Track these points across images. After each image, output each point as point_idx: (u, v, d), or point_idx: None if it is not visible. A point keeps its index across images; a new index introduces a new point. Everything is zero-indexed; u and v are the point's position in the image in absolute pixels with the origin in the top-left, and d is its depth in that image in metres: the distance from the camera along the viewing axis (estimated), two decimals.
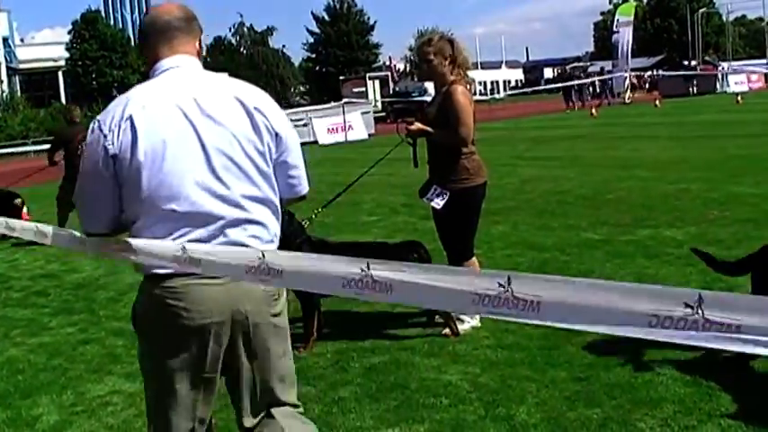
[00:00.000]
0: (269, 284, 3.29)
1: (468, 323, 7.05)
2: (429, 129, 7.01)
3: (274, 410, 3.76)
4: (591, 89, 69.92)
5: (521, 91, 59.00)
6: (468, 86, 7.19)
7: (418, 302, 3.08)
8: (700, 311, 2.34)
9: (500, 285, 2.75)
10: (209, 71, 3.68)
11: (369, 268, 3.06)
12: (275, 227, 3.72)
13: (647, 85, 62.51)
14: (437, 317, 7.17)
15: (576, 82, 53.60)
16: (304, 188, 3.89)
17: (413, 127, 7.06)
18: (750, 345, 2.29)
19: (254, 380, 3.69)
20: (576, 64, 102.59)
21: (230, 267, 3.40)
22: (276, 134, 3.63)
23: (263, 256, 3.27)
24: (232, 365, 3.65)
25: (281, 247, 7.08)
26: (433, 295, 2.98)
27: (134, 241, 3.65)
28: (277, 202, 3.72)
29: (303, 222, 7.36)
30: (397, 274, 3.02)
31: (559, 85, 55.75)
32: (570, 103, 51.30)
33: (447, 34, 7.49)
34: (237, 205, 3.50)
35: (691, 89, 57.31)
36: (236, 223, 3.52)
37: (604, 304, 2.55)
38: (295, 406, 3.87)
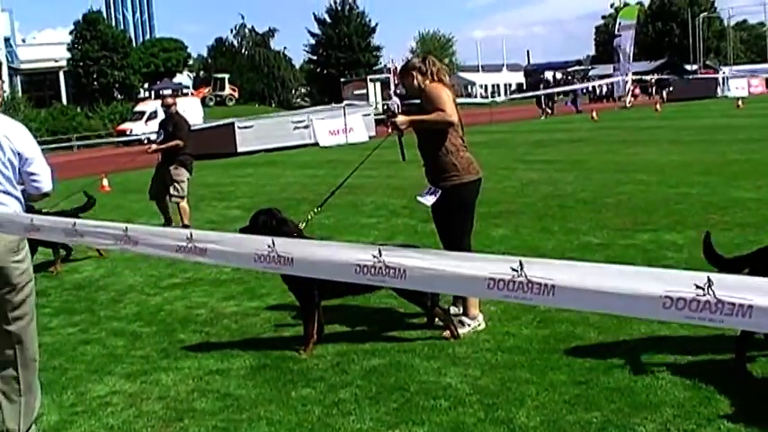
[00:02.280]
0: (280, 272, 3.53)
1: (470, 326, 7.07)
2: (413, 117, 7.21)
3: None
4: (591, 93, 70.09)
5: (522, 95, 58.88)
6: (450, 88, 7.39)
7: (432, 288, 3.13)
8: (711, 292, 2.37)
9: (512, 270, 2.77)
10: None
11: (381, 254, 3.08)
12: (16, 207, 5.36)
13: (653, 89, 62.11)
14: (437, 319, 7.18)
15: (544, 92, 52.90)
16: (45, 187, 5.56)
17: (397, 119, 7.23)
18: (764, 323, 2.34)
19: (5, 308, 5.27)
20: (576, 68, 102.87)
21: (237, 256, 3.49)
22: (18, 153, 5.26)
23: (273, 244, 3.32)
24: None
25: None
26: (447, 281, 2.99)
27: (135, 230, 3.71)
28: (18, 194, 5.38)
29: (300, 224, 7.40)
30: (411, 260, 3.03)
31: (536, 93, 54.79)
32: (543, 110, 50.50)
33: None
34: None
35: (663, 93, 57.60)
36: None
37: (617, 287, 2.58)
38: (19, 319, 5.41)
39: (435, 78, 7.26)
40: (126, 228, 3.82)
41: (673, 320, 2.44)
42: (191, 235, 3.58)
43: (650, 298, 2.51)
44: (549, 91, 54.01)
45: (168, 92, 17.44)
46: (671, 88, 60.63)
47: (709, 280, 2.39)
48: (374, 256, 3.12)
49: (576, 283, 2.68)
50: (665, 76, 64.20)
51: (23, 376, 5.43)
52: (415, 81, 7.28)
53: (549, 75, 59.80)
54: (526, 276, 2.77)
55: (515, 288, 2.79)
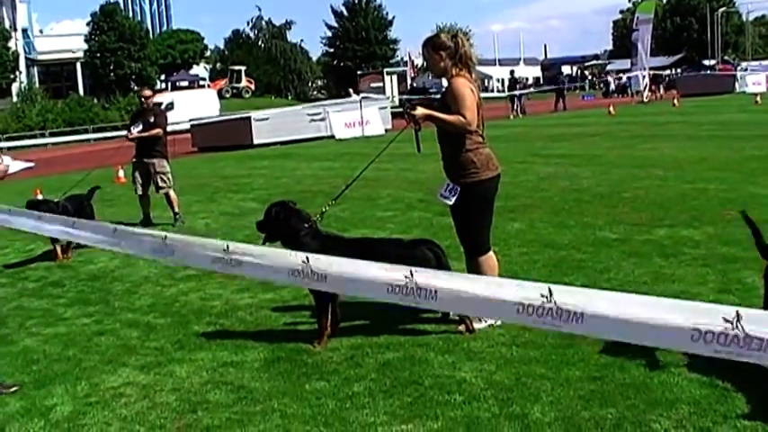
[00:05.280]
0: (313, 287, 3.61)
1: (486, 321, 7.02)
2: (432, 112, 7.02)
3: None
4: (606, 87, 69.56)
5: (540, 89, 58.32)
6: (475, 80, 7.19)
7: (462, 310, 3.15)
8: (739, 326, 2.35)
9: (542, 296, 2.76)
10: None
11: (413, 275, 3.08)
12: None
13: (661, 87, 61.65)
14: (452, 313, 7.14)
15: (519, 92, 50.71)
16: None
17: (416, 112, 7.06)
18: None
19: None
20: (594, 62, 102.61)
21: (273, 270, 3.50)
22: None
23: (307, 260, 3.33)
24: None
25: (288, 241, 7.19)
26: (477, 303, 2.98)
27: (175, 238, 3.74)
28: None
29: (314, 216, 7.35)
30: (442, 281, 3.03)
31: (508, 93, 51.79)
32: (513, 110, 48.02)
33: (452, 30, 7.55)
34: None
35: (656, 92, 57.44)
36: None
37: (646, 318, 2.56)
38: None
39: (464, 63, 7.08)
40: (165, 236, 3.84)
41: (701, 353, 2.43)
42: (227, 247, 3.62)
43: (678, 330, 2.49)
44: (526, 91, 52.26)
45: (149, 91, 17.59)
46: (664, 84, 60.96)
47: (738, 314, 2.37)
48: (406, 277, 3.12)
49: (606, 312, 2.67)
50: (661, 72, 64.03)
51: None
52: (443, 63, 7.08)
53: (519, 73, 58.11)
54: (556, 303, 2.76)
55: (544, 314, 2.79)
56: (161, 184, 14.44)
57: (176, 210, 14.57)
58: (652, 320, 2.59)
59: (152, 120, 14.50)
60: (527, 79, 74.18)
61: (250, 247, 3.68)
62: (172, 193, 14.54)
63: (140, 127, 14.43)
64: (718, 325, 2.43)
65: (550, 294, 2.80)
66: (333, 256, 4.06)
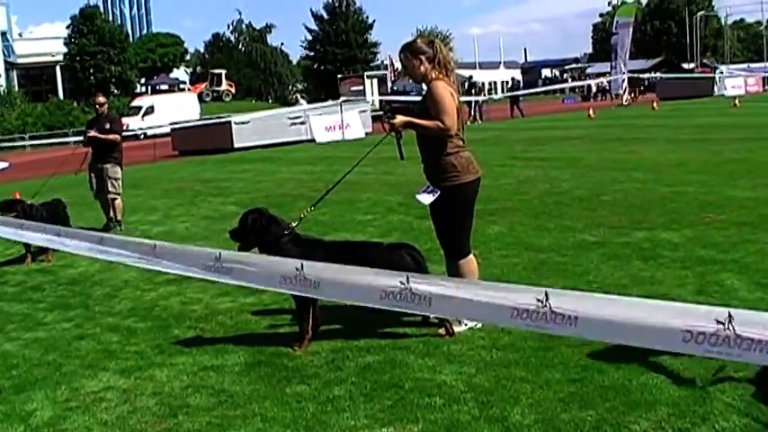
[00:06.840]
0: (306, 295, 3.64)
1: (466, 325, 7.03)
2: (411, 119, 7.04)
3: None
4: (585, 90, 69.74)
5: (523, 92, 58.32)
6: (454, 83, 7.21)
7: (457, 315, 3.21)
8: (731, 327, 2.38)
9: (538, 300, 2.78)
10: None
11: (408, 282, 3.10)
12: None
13: (636, 90, 62.05)
14: (432, 317, 7.14)
15: (475, 98, 49.32)
16: None
17: (395, 120, 7.08)
18: None
19: None
20: (574, 65, 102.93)
21: (264, 278, 3.51)
22: None
23: (301, 267, 3.35)
24: None
25: (267, 248, 7.16)
26: (471, 309, 3.01)
27: (165, 246, 3.77)
28: None
29: (293, 222, 7.33)
30: (437, 288, 3.04)
31: (470, 98, 50.06)
32: (473, 116, 45.97)
33: (429, 35, 7.55)
34: None
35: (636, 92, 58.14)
36: None
37: (638, 320, 2.59)
38: None
39: (443, 67, 7.11)
40: (155, 245, 3.86)
41: (692, 353, 2.46)
42: (219, 255, 3.64)
43: (670, 331, 2.52)
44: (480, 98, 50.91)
45: (103, 98, 17.04)
46: (642, 87, 61.62)
47: (729, 315, 2.40)
48: (401, 283, 3.15)
49: (599, 315, 2.70)
50: (637, 76, 64.57)
51: None
52: (422, 67, 7.09)
53: (477, 78, 57.54)
54: (550, 308, 2.79)
55: (538, 318, 2.82)
56: (110, 188, 14.64)
57: (119, 217, 14.80)
58: (644, 323, 2.62)
59: (107, 126, 14.75)
60: (490, 84, 74.03)
61: (242, 254, 3.71)
62: (119, 200, 14.79)
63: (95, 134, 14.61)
64: (709, 326, 2.46)
65: (546, 299, 2.83)
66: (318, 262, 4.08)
